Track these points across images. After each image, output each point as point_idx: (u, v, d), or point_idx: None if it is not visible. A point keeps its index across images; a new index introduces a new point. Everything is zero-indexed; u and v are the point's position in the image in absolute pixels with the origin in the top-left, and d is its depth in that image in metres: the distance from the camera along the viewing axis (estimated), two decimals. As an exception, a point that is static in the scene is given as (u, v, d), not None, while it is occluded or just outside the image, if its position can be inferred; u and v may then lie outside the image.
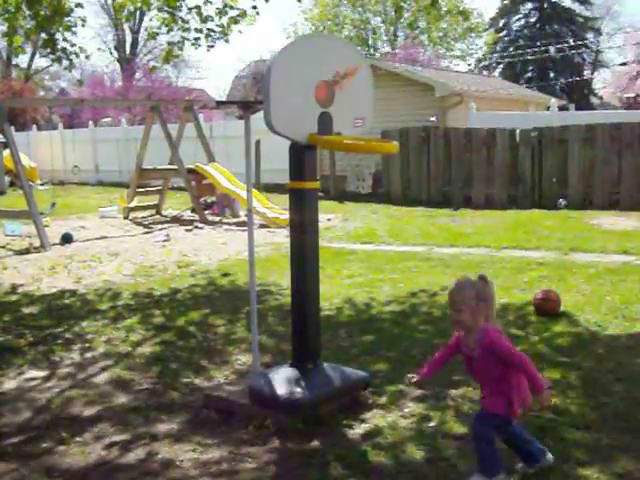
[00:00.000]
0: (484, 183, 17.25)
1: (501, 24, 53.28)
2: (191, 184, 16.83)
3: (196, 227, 15.30)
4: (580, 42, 48.30)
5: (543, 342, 6.32)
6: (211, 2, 10.76)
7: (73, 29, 10.42)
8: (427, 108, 20.56)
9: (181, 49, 11.37)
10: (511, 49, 49.33)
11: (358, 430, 4.61)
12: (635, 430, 4.46)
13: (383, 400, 5.08)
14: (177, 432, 4.69)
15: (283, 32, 68.03)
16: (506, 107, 22.18)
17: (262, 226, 14.47)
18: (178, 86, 48.12)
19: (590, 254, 10.31)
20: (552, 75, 49.25)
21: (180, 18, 10.87)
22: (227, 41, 11.15)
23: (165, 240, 13.50)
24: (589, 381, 5.32)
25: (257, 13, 10.79)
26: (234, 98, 40.76)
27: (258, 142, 17.85)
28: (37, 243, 12.96)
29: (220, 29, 10.95)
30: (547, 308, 7.14)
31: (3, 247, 13.21)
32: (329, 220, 15.00)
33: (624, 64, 44.34)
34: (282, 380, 4.83)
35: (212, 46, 11.17)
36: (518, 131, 16.81)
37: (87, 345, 6.74)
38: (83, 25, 10.73)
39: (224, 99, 39.19)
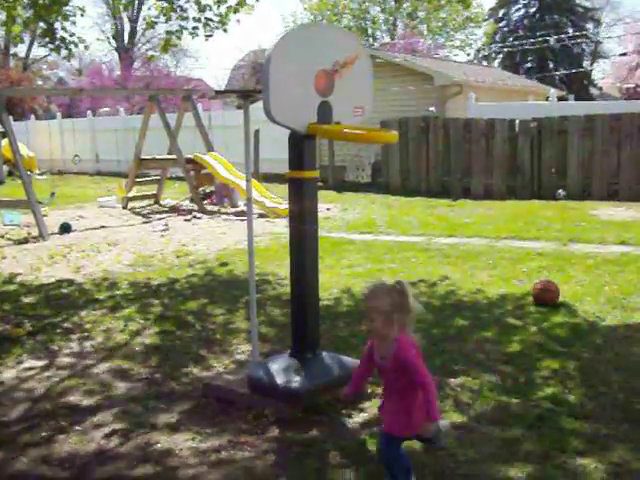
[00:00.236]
0: (483, 173, 17.24)
1: (500, 14, 53.20)
2: (190, 174, 16.81)
3: (195, 217, 15.29)
4: (580, 32, 48.20)
5: (542, 332, 6.33)
6: (209, -9, 10.73)
7: (72, 19, 10.39)
8: (426, 98, 20.56)
9: (179, 38, 11.33)
10: (511, 39, 49.24)
11: (357, 419, 4.62)
12: (633, 420, 4.47)
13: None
14: (176, 421, 4.70)
15: (282, 21, 67.72)
16: (505, 97, 22.17)
17: (261, 216, 14.46)
18: (177, 76, 48.06)
19: (589, 245, 10.31)
20: (551, 65, 49.20)
21: (179, 7, 10.85)
22: (225, 30, 11.12)
23: (164, 230, 13.49)
24: (587, 371, 5.33)
25: (257, 0, 10.76)
26: (233, 88, 40.69)
27: (257, 132, 17.82)
28: (36, 233, 12.96)
29: (218, 18, 10.91)
30: (546, 298, 7.15)
31: (2, 237, 13.20)
32: (328, 210, 15.00)
33: (624, 55, 44.18)
34: (281, 369, 4.84)
35: (210, 35, 11.14)
36: (517, 121, 16.79)
37: (86, 334, 6.74)
38: (82, 15, 10.70)
39: (223, 89, 39.09)
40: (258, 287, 6.73)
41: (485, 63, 45.72)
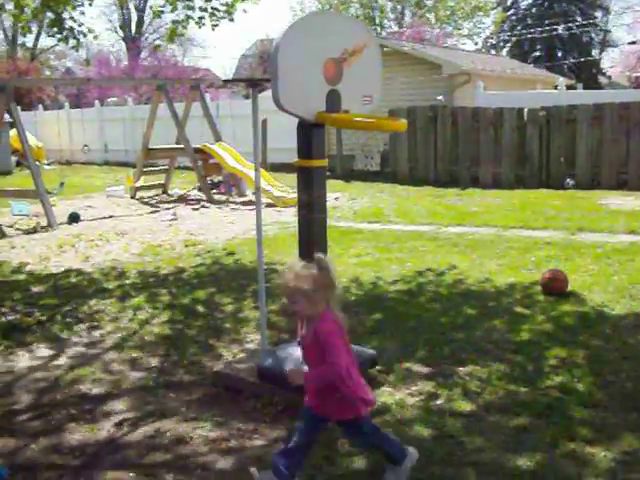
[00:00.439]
0: (491, 163, 17.19)
1: (509, 2, 52.88)
2: (198, 163, 16.81)
3: (203, 206, 15.31)
4: (588, 21, 47.94)
5: (550, 321, 6.32)
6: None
7: (80, 8, 10.39)
8: (434, 87, 20.49)
9: (185, 28, 11.30)
10: (519, 28, 48.99)
11: (366, 408, 4.62)
12: (642, 408, 4.47)
13: (390, 378, 5.10)
14: (186, 410, 4.72)
15: (289, 10, 67.57)
16: (514, 86, 22.09)
17: (269, 205, 14.46)
18: (184, 65, 48.02)
19: (598, 234, 10.29)
20: (560, 54, 48.94)
21: (185, -4, 10.83)
22: (232, 20, 11.10)
23: (172, 219, 13.51)
24: (596, 360, 5.32)
25: None
26: (241, 77, 40.62)
27: (265, 121, 17.80)
28: (44, 222, 13.00)
29: (225, 8, 10.89)
30: (554, 288, 7.14)
31: (11, 226, 13.25)
32: (336, 199, 14.98)
33: (633, 43, 43.97)
34: (290, 358, 4.84)
35: (216, 25, 11.11)
36: (526, 110, 16.72)
37: (95, 324, 6.77)
38: (90, 4, 10.69)
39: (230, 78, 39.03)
40: (266, 276, 6.71)
41: (493, 52, 45.53)
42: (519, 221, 11.49)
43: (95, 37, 11.02)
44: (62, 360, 5.82)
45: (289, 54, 4.50)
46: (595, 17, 50.62)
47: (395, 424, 4.37)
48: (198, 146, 16.85)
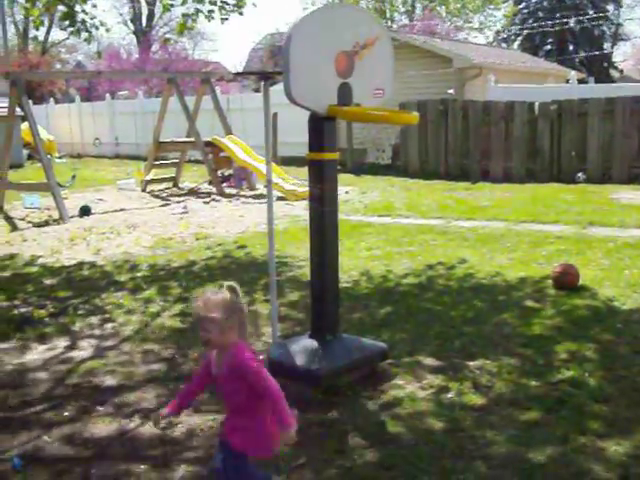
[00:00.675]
0: (502, 156, 17.14)
1: (520, -5, 52.64)
2: (208, 157, 16.83)
3: (213, 200, 15.33)
4: (600, 14, 47.67)
5: (561, 315, 6.31)
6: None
7: (91, 1, 10.38)
8: (445, 81, 20.43)
9: (195, 21, 11.30)
10: (530, 21, 48.77)
11: (377, 401, 4.64)
12: (653, 403, 4.47)
13: (401, 371, 5.10)
14: (198, 402, 4.72)
15: (300, 3, 67.46)
16: (525, 80, 21.99)
17: (280, 198, 14.45)
18: (194, 59, 48.03)
19: (609, 228, 10.26)
20: (571, 48, 48.70)
21: (195, -11, 10.81)
22: (241, 14, 11.08)
23: (183, 213, 13.54)
24: (607, 354, 5.32)
25: None
26: (251, 70, 40.62)
27: (275, 115, 17.79)
28: (56, 215, 13.05)
29: (234, 1, 10.87)
30: (565, 282, 7.12)
31: (22, 219, 13.31)
32: (347, 193, 14.97)
33: (645, 36, 43.72)
34: (301, 351, 4.86)
35: (226, 18, 11.09)
36: (537, 104, 16.67)
37: (107, 316, 6.79)
38: (102, -4, 10.71)
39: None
40: (277, 269, 6.74)
41: (504, 45, 45.33)
42: (530, 215, 11.47)
43: (107, 30, 11.02)
44: (75, 352, 5.85)
45: (301, 47, 4.50)
46: (607, 10, 50.30)
47: (406, 417, 4.38)
48: (209, 139, 16.87)
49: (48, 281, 8.28)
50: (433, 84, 20.43)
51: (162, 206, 14.80)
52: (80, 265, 9.08)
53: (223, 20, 11.10)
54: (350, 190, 15.53)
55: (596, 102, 16.03)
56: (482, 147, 17.42)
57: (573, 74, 20.55)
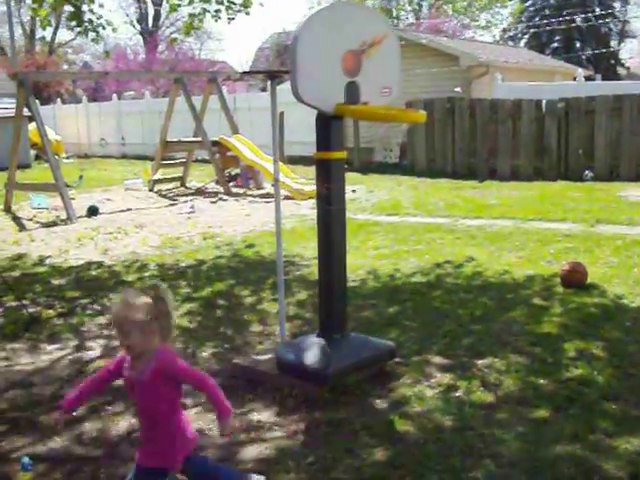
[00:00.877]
0: (510, 155, 17.10)
1: (527, -7, 52.51)
2: (215, 156, 16.85)
3: (220, 199, 15.34)
4: (607, 11, 47.52)
5: (569, 313, 6.30)
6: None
7: (99, 1, 10.41)
8: (452, 79, 20.38)
9: (201, 21, 11.31)
10: (537, 19, 48.65)
11: (385, 400, 4.63)
12: (663, 401, 4.45)
13: (409, 370, 5.10)
14: (205, 402, 4.73)
15: (306, 2, 67.46)
16: (532, 78, 21.93)
17: (286, 198, 14.45)
18: (201, 58, 48.07)
19: (617, 226, 10.23)
20: (578, 45, 48.57)
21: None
22: (248, 13, 11.09)
23: (190, 212, 13.55)
24: (616, 353, 5.30)
25: None
26: (258, 69, 40.60)
27: (282, 114, 17.80)
28: (64, 215, 13.08)
29: (241, 1, 10.89)
30: (574, 280, 7.10)
31: (30, 220, 13.35)
32: (354, 192, 14.95)
33: (652, 33, 43.58)
34: (309, 350, 4.86)
35: (232, 18, 11.11)
36: (544, 102, 16.63)
37: (115, 316, 6.79)
38: (109, -4, 10.73)
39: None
40: (285, 268, 6.74)
41: (511, 43, 45.22)
42: (537, 213, 11.44)
43: (114, 30, 11.05)
44: (83, 352, 5.86)
45: (308, 46, 4.49)
46: (614, 7, 50.18)
47: (415, 416, 4.37)
48: (215, 139, 16.89)
49: (56, 281, 8.29)
50: (440, 82, 20.39)
51: (169, 206, 14.83)
52: (88, 265, 9.09)
53: (230, 20, 11.12)
54: (357, 189, 15.52)
55: (603, 100, 15.98)
56: (489, 145, 17.39)
57: (580, 72, 20.50)
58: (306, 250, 9.13)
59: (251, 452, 4.04)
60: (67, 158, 27.66)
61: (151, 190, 17.28)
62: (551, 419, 4.26)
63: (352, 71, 4.73)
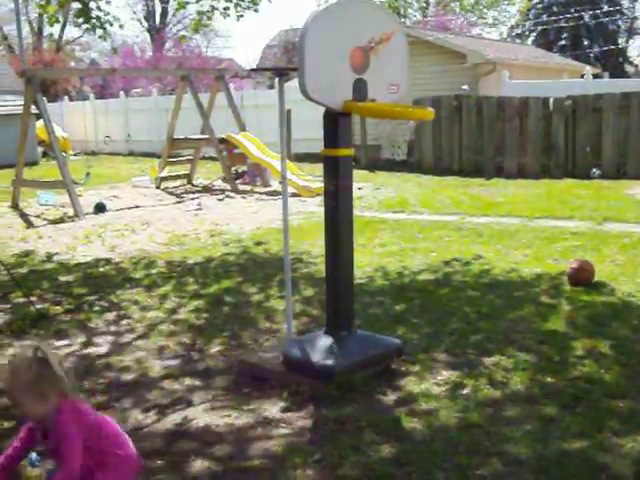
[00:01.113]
0: (517, 152, 17.08)
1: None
2: (222, 153, 16.86)
3: (227, 196, 15.35)
4: (615, 8, 47.36)
5: (576, 312, 6.29)
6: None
7: (106, -1, 10.43)
8: (459, 76, 20.36)
9: (210, 19, 11.31)
10: (544, 16, 48.51)
11: (392, 397, 4.63)
12: (670, 399, 4.44)
13: (416, 368, 5.09)
14: (212, 398, 4.75)
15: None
16: (539, 75, 21.91)
17: (293, 195, 14.45)
18: (208, 56, 48.09)
19: (624, 224, 10.20)
20: (586, 43, 48.41)
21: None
22: (256, 10, 11.09)
23: (197, 209, 13.57)
24: (623, 351, 5.29)
25: None
26: (265, 67, 40.59)
27: (289, 111, 17.79)
28: (71, 212, 13.10)
29: None
30: (581, 278, 7.09)
31: (38, 216, 13.37)
32: (360, 189, 14.94)
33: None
34: (316, 347, 4.87)
35: (242, 15, 11.11)
36: (551, 100, 16.59)
37: (122, 312, 6.82)
38: (116, -7, 10.75)
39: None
40: (292, 266, 6.75)
41: (519, 41, 45.13)
42: (545, 211, 11.43)
43: (121, 26, 11.07)
44: (91, 348, 5.87)
45: (316, 43, 4.49)
46: (622, 5, 50.00)
47: (421, 413, 4.37)
48: (222, 136, 16.89)
49: (64, 278, 8.31)
50: (447, 80, 20.37)
51: (176, 203, 14.84)
52: (95, 262, 9.11)
53: (239, 17, 11.12)
54: (364, 186, 15.51)
55: (611, 97, 15.94)
56: (496, 143, 17.37)
57: (588, 69, 20.45)
58: (313, 247, 9.14)
59: (258, 449, 4.05)
60: (74, 155, 27.70)
61: (158, 187, 17.30)
62: (558, 417, 4.25)
63: (360, 68, 4.73)
